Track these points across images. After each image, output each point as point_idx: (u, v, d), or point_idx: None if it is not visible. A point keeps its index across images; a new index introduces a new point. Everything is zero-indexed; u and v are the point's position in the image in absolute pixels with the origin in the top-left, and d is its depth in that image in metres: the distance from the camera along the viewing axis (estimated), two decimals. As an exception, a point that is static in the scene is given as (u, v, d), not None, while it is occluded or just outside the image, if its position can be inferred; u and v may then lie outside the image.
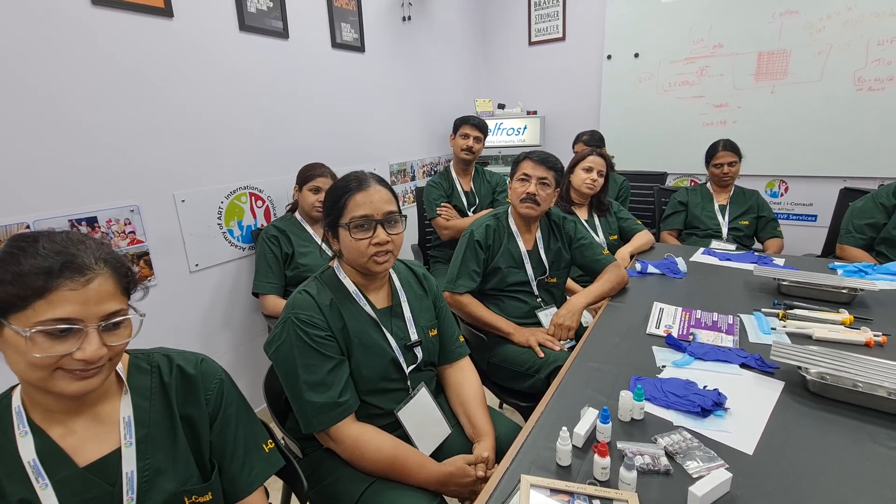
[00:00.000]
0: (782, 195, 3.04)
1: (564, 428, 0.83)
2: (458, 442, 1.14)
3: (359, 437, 1.00)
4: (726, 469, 0.77)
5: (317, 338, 1.01)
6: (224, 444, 0.81)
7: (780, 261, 1.90)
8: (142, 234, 1.68)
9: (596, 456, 0.78)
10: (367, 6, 2.60)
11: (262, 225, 2.11)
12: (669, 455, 0.83)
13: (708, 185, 2.52)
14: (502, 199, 2.64)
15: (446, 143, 3.41)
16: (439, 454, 1.08)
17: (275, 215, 2.18)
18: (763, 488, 0.76)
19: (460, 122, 2.53)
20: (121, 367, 0.76)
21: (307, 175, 1.95)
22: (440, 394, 1.26)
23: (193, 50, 1.78)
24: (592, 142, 2.77)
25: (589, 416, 0.91)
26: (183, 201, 1.79)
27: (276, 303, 1.86)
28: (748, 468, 0.80)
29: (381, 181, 1.09)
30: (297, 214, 2.01)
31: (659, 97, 3.23)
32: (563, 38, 3.54)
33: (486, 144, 2.69)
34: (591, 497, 0.72)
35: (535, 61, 3.69)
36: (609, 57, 3.34)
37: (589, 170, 2.08)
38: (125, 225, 1.62)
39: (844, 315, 1.34)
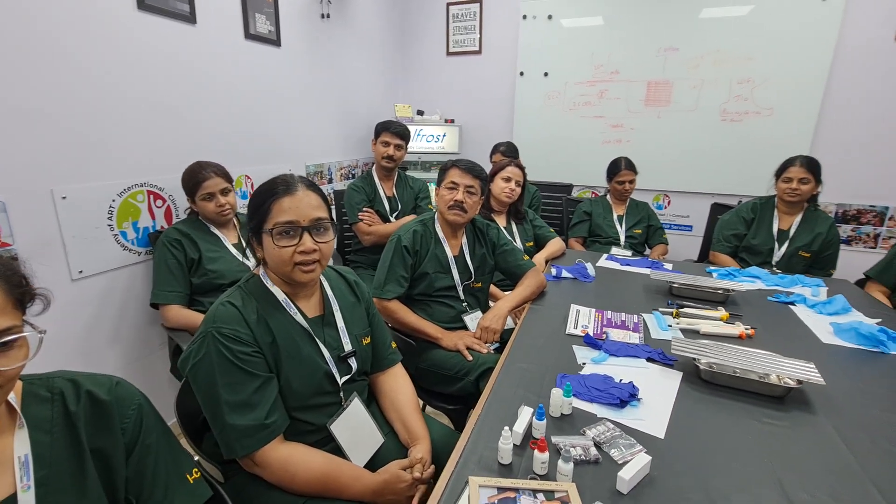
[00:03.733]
0: (666, 207, 3.46)
1: (506, 427, 0.87)
2: (393, 450, 1.12)
3: (287, 458, 0.94)
4: (645, 453, 0.87)
5: (241, 354, 0.93)
6: (142, 478, 0.72)
7: (669, 266, 2.16)
8: (8, 236, 1.41)
9: (535, 451, 0.83)
10: (284, -2, 2.48)
11: (161, 227, 1.90)
12: (597, 445, 0.91)
13: (607, 196, 2.79)
14: (424, 206, 2.66)
15: (364, 146, 3.36)
16: (374, 465, 1.05)
17: (177, 216, 1.97)
18: (675, 467, 0.86)
19: (381, 129, 2.51)
20: (13, 397, 0.64)
21: (192, 185, 1.73)
22: (372, 402, 1.23)
23: (80, 26, 1.55)
24: (509, 153, 2.92)
25: (525, 414, 0.95)
26: (64, 198, 1.55)
27: (178, 313, 1.68)
28: (662, 450, 0.90)
29: (311, 185, 1.04)
30: (201, 217, 1.83)
31: (565, 114, 3.50)
32: (479, 52, 3.68)
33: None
34: (534, 491, 0.76)
35: (452, 71, 3.79)
36: (522, 73, 3.55)
37: (508, 179, 2.19)
38: (-15, 224, 1.36)
39: (722, 312, 1.57)
